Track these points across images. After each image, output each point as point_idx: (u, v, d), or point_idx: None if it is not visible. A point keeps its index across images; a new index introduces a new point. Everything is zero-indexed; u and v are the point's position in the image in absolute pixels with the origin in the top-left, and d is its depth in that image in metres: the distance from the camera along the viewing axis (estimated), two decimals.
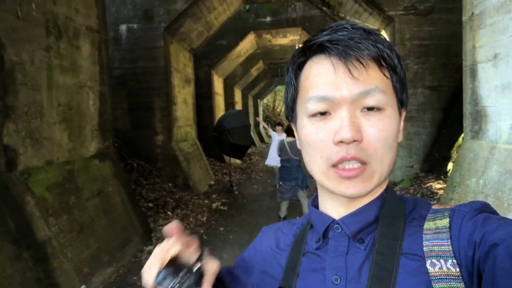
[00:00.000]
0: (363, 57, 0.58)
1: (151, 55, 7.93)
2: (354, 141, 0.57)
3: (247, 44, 13.79)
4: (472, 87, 4.68)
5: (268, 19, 12.61)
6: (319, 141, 0.60)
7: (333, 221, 0.65)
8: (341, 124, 0.58)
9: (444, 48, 7.12)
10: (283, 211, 6.39)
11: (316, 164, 0.62)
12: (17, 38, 3.39)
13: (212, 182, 9.87)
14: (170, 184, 7.86)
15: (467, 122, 4.90)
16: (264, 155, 15.79)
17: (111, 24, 7.49)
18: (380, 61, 0.60)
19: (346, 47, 0.58)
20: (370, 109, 0.59)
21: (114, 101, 5.67)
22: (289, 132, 6.11)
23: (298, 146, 0.70)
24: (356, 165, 0.58)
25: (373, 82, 0.59)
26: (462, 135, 5.44)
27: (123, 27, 7.91)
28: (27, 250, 3.06)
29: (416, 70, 7.27)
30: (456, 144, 6.62)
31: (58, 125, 4.00)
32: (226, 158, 11.33)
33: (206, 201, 7.89)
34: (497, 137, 4.20)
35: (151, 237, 5.38)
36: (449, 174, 6.03)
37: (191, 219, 6.61)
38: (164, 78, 8.04)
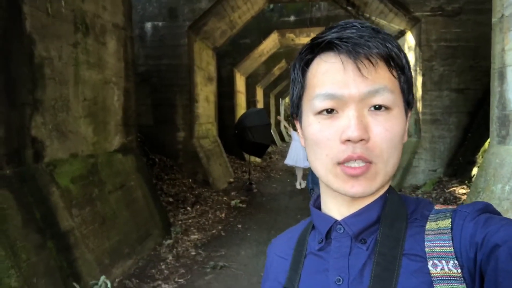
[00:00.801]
0: (373, 55, 0.58)
1: (175, 53, 8.04)
2: (361, 140, 0.57)
3: (270, 43, 13.80)
4: (500, 91, 4.55)
5: (292, 18, 12.57)
6: (325, 139, 0.60)
7: (336, 221, 0.65)
8: (348, 122, 0.58)
9: (471, 50, 6.94)
10: None
11: (321, 162, 0.62)
12: (46, 34, 3.51)
13: (232, 180, 9.94)
14: (190, 180, 7.96)
15: (494, 127, 4.77)
16: (284, 154, 15.76)
17: (136, 22, 7.63)
18: (389, 60, 0.60)
19: (356, 45, 0.58)
20: (377, 108, 0.59)
21: (138, 97, 5.78)
22: None
23: (302, 143, 0.70)
24: (361, 163, 0.58)
25: (382, 81, 0.58)
26: (488, 140, 5.30)
27: (148, 25, 8.05)
28: (51, 239, 3.17)
29: (442, 72, 7.11)
30: (482, 149, 6.45)
31: (84, 119, 4.12)
32: (246, 156, 11.39)
33: (225, 198, 7.95)
34: None
35: (170, 231, 5.47)
36: (473, 179, 5.87)
37: (209, 215, 6.68)
38: (187, 75, 8.15)
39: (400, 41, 8.66)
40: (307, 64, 0.65)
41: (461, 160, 6.91)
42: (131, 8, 5.44)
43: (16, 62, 3.17)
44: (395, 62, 0.60)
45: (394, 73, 0.60)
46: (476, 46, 6.86)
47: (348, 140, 0.57)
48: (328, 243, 0.66)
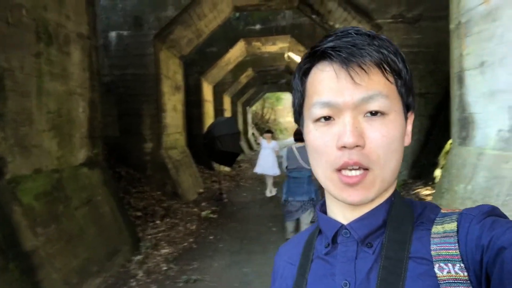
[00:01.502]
0: (365, 63, 0.59)
1: (141, 62, 7.89)
2: (357, 146, 0.58)
3: (237, 52, 13.84)
4: (460, 94, 4.75)
5: (258, 26, 12.68)
6: (323, 145, 0.61)
7: (342, 226, 0.66)
8: (343, 129, 0.58)
9: (432, 56, 7.23)
10: (289, 233, 5.09)
11: (321, 168, 0.63)
12: (7, 44, 3.34)
13: (202, 190, 9.81)
14: (159, 192, 7.78)
15: (455, 129, 4.98)
16: (253, 163, 15.78)
17: (101, 31, 7.43)
18: (383, 66, 0.60)
19: (348, 54, 0.59)
20: (373, 114, 0.59)
21: (103, 108, 5.61)
22: (299, 137, 5.18)
23: (308, 151, 0.71)
24: (358, 172, 0.59)
25: (375, 87, 0.59)
26: (449, 142, 5.52)
27: (113, 34, 7.87)
28: (14, 260, 2.99)
29: None
30: (444, 151, 6.71)
31: (47, 132, 3.94)
32: (216, 165, 11.29)
33: (195, 209, 7.83)
34: (485, 143, 4.27)
35: (139, 246, 5.31)
36: (436, 180, 6.10)
37: (180, 227, 6.55)
38: (154, 85, 8.00)
39: None
40: (305, 73, 0.66)
41: (424, 162, 7.15)
42: (95, 17, 5.29)
43: None
44: (391, 67, 0.61)
45: (390, 78, 0.61)
46: (436, 52, 7.14)
47: (344, 147, 0.58)
48: (334, 247, 0.67)
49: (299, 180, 5.02)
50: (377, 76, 0.60)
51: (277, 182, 10.73)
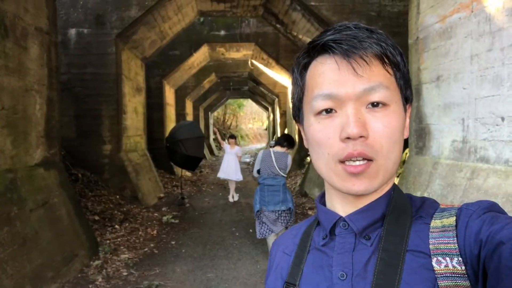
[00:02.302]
0: (367, 55, 0.60)
1: (101, 62, 7.63)
2: (361, 137, 0.58)
3: (200, 56, 13.75)
4: (417, 106, 4.98)
5: (222, 32, 12.68)
6: (326, 138, 0.61)
7: (340, 218, 0.66)
8: (347, 120, 0.59)
9: None
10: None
11: (323, 161, 0.63)
12: None
13: (162, 195, 9.60)
14: (118, 196, 7.53)
15: (412, 139, 5.20)
16: (214, 168, 15.68)
17: (59, 28, 7.12)
18: (383, 58, 0.61)
19: (350, 46, 0.59)
20: (375, 105, 0.60)
21: (59, 108, 5.35)
22: (281, 142, 4.96)
23: (306, 145, 0.70)
24: (362, 161, 0.59)
25: (377, 78, 0.60)
26: (406, 151, 5.76)
27: (72, 31, 7.57)
28: None
29: None
30: (400, 160, 6.99)
31: (1, 130, 3.71)
32: (177, 170, 11.11)
33: (156, 214, 7.64)
34: (440, 153, 4.49)
35: (98, 251, 5.10)
36: None
37: (140, 232, 6.36)
38: (114, 85, 7.76)
39: None
40: (305, 67, 0.66)
41: None
42: (55, 12, 5.08)
43: None
44: (390, 60, 0.62)
45: (389, 70, 0.62)
46: None
47: (348, 138, 0.58)
48: (332, 239, 0.67)
49: (274, 188, 4.71)
50: (377, 68, 0.61)
51: (239, 187, 10.73)
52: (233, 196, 9.54)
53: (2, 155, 3.72)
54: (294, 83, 0.69)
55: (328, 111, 0.61)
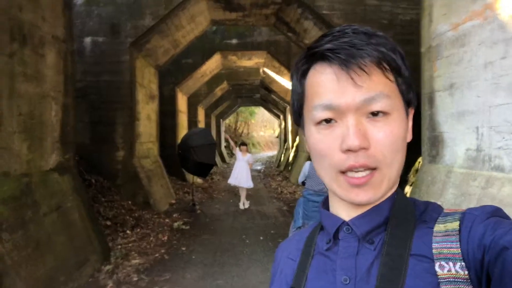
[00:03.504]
0: (365, 64, 0.58)
1: (115, 69, 7.77)
2: (362, 148, 0.57)
3: (213, 64, 13.88)
4: (430, 114, 4.94)
5: (234, 41, 12.79)
6: (326, 148, 0.61)
7: (344, 222, 0.66)
8: (347, 131, 0.58)
9: None
10: None
11: (325, 171, 0.63)
12: None
13: (173, 201, 9.65)
14: (130, 202, 7.59)
15: (425, 147, 5.15)
16: (226, 175, 15.71)
17: (75, 36, 7.29)
18: (383, 65, 0.60)
19: (348, 56, 0.58)
20: (375, 114, 0.59)
21: (75, 114, 5.45)
22: None
23: (307, 149, 0.70)
24: (365, 172, 0.58)
25: (377, 88, 0.59)
26: (419, 160, 5.70)
27: (88, 40, 7.73)
28: None
29: None
30: (413, 168, 6.91)
31: (18, 135, 3.79)
32: (189, 176, 11.16)
33: (167, 220, 7.68)
34: (453, 162, 4.43)
35: (109, 256, 5.14)
36: None
37: (151, 238, 6.40)
38: (128, 92, 7.89)
39: None
40: (304, 74, 0.65)
41: None
42: (71, 21, 5.20)
43: None
44: (390, 66, 0.61)
45: (390, 77, 0.61)
46: None
47: (349, 150, 0.58)
48: (336, 243, 0.66)
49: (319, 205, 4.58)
50: (377, 76, 0.59)
51: (250, 195, 10.73)
52: (244, 204, 9.54)
53: (18, 160, 3.80)
54: (294, 90, 0.69)
55: (328, 121, 0.61)
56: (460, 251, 0.55)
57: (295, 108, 0.70)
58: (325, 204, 0.73)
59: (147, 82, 9.12)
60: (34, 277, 3.47)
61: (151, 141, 9.44)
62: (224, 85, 18.08)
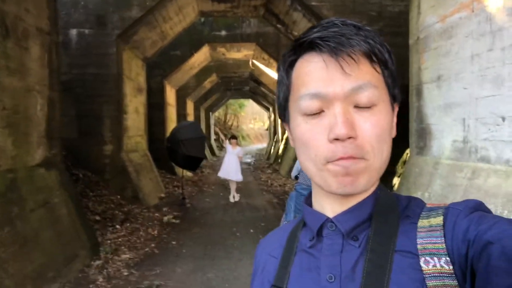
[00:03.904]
0: (355, 52, 0.58)
1: (102, 62, 7.65)
2: (349, 138, 0.57)
3: (201, 56, 13.76)
4: (418, 106, 4.97)
5: (223, 33, 12.69)
6: (313, 139, 0.60)
7: (327, 219, 0.65)
8: (335, 120, 0.57)
9: None
10: None
11: (312, 162, 0.61)
12: None
13: (163, 195, 9.61)
14: (119, 196, 7.53)
15: (412, 139, 5.19)
16: (215, 168, 15.69)
17: (60, 28, 7.14)
18: (371, 56, 0.60)
19: (337, 44, 0.58)
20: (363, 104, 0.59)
21: (60, 108, 5.36)
22: None
23: (292, 145, 0.69)
24: (351, 161, 0.58)
25: (365, 77, 0.59)
26: (407, 151, 5.75)
27: (73, 32, 7.58)
28: None
29: None
30: (401, 160, 6.98)
31: (2, 130, 3.72)
32: (178, 170, 11.11)
33: (156, 214, 7.65)
34: (440, 153, 4.48)
35: (99, 251, 5.11)
36: (394, 188, 6.31)
37: (141, 232, 6.37)
38: (115, 85, 7.78)
39: None
40: (291, 65, 0.64)
41: None
42: (56, 13, 5.09)
43: None
44: (378, 58, 0.60)
45: (377, 68, 0.61)
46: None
47: (337, 139, 0.57)
48: (319, 240, 0.65)
49: None
50: (365, 66, 0.59)
51: (240, 188, 10.74)
52: (234, 197, 9.55)
53: (3, 155, 3.73)
54: (280, 81, 0.67)
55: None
56: (444, 246, 0.55)
57: (281, 100, 0.68)
58: (308, 200, 0.72)
59: (134, 74, 9.01)
60: (22, 273, 3.43)
61: (139, 134, 9.35)
62: (213, 78, 17.97)
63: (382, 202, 0.64)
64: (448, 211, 0.59)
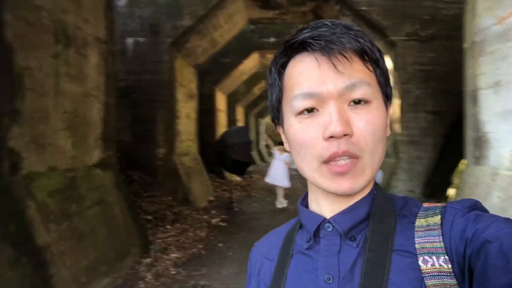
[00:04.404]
0: (346, 51, 0.58)
1: (156, 69, 8.01)
2: (345, 135, 0.57)
3: (251, 63, 13.95)
4: (474, 113, 4.69)
5: (272, 39, 12.80)
6: (308, 138, 0.60)
7: (324, 219, 0.65)
8: (329, 119, 0.57)
9: (445, 74, 7.18)
10: None
11: (307, 162, 0.61)
12: (26, 44, 3.43)
13: (212, 198, 9.81)
14: (170, 198, 7.81)
15: (468, 148, 4.89)
16: (264, 174, 15.74)
17: (117, 37, 7.58)
18: (363, 54, 0.60)
19: (329, 42, 0.58)
20: (357, 102, 0.59)
21: (117, 113, 5.68)
22: None
23: (287, 148, 0.69)
24: (347, 160, 0.57)
25: (358, 75, 0.59)
26: (463, 161, 5.43)
27: (130, 40, 8.02)
28: (26, 255, 3.02)
29: (418, 95, 7.31)
30: (457, 170, 6.60)
31: (63, 132, 4.01)
32: (227, 174, 11.31)
33: (205, 217, 7.82)
34: (499, 163, 4.18)
35: (149, 249, 5.32)
36: (449, 199, 5.98)
37: (189, 233, 6.54)
38: (168, 92, 8.11)
39: None
40: (283, 66, 0.65)
41: (438, 181, 7.04)
42: (113, 22, 5.41)
43: None
44: (369, 56, 0.61)
45: (369, 67, 0.61)
46: (449, 70, 7.09)
47: (332, 137, 0.57)
48: (316, 241, 0.65)
49: None
50: (358, 64, 0.59)
51: (288, 194, 10.68)
52: (281, 203, 9.52)
53: (64, 155, 4.01)
54: (272, 84, 0.68)
55: (309, 110, 0.60)
56: (443, 245, 0.55)
57: (273, 102, 0.68)
58: (304, 202, 0.72)
59: (186, 81, 9.33)
60: (78, 266, 3.65)
61: (190, 139, 9.65)
62: (263, 84, 18.11)
63: (379, 202, 0.64)
64: (446, 210, 0.59)
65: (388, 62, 7.97)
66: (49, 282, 3.15)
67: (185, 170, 8.63)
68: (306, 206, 0.71)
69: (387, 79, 0.64)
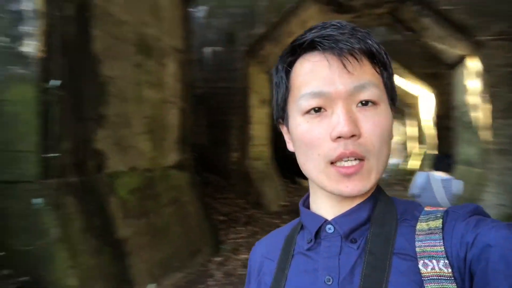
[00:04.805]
0: (356, 51, 0.58)
1: (231, 76, 8.31)
2: (353, 136, 0.57)
3: None
4: None
5: None
6: (315, 138, 0.59)
7: (326, 221, 0.65)
8: (338, 119, 0.57)
9: None
10: None
11: (313, 163, 0.61)
12: (111, 55, 3.82)
13: (284, 203, 9.86)
14: (243, 200, 8.01)
15: None
16: None
17: (196, 47, 8.03)
18: (372, 56, 0.60)
19: (339, 42, 0.58)
20: (365, 104, 0.59)
21: (194, 118, 6.03)
22: (440, 166, 4.17)
23: (291, 148, 0.69)
24: (354, 162, 0.57)
25: (367, 76, 0.59)
26: None
27: (207, 50, 8.44)
28: (108, 246, 3.34)
29: (510, 100, 6.63)
30: None
31: (143, 135, 4.36)
32: (300, 180, 11.26)
33: (277, 221, 7.88)
34: None
35: (220, 249, 5.52)
36: None
37: (260, 236, 6.62)
38: (242, 98, 8.36)
39: (459, 68, 8.31)
40: (290, 65, 0.64)
41: None
42: (189, 33, 5.76)
43: (84, 80, 3.47)
44: (378, 58, 0.61)
45: (377, 69, 0.61)
46: None
47: (339, 137, 0.57)
48: (317, 242, 0.66)
49: None
50: (367, 66, 0.60)
51: None
52: None
53: (144, 157, 4.37)
54: (278, 82, 0.67)
55: (317, 110, 0.59)
56: (443, 249, 0.55)
57: (279, 102, 0.68)
58: (305, 202, 0.72)
59: (260, 87, 9.54)
60: (153, 260, 3.93)
61: (263, 144, 9.82)
62: None
63: (380, 205, 0.64)
64: (447, 214, 0.59)
65: (476, 64, 7.37)
66: (126, 272, 3.45)
67: (257, 174, 8.80)
68: (308, 207, 0.71)
69: (393, 83, 0.65)
